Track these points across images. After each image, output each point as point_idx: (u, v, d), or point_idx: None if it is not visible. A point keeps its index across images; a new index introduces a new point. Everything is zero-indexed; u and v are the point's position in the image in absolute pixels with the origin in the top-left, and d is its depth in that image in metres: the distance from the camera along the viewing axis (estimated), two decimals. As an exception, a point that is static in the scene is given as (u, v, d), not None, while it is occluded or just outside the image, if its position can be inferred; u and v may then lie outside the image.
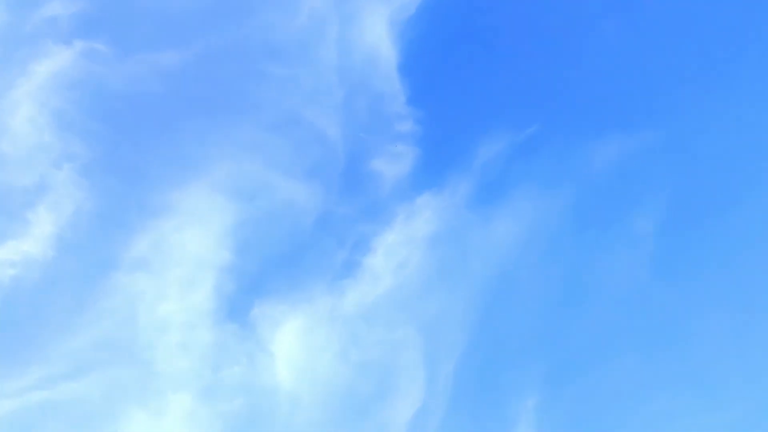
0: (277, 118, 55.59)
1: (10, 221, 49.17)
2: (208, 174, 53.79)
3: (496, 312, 52.26)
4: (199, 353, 49.32)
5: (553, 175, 55.26)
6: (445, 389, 49.27)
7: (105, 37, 52.76)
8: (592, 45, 58.05)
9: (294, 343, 50.89)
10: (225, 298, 51.07)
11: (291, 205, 54.55)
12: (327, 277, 53.13)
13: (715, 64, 55.49)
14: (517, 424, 47.63)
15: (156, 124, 54.32)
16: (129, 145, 53.47)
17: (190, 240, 52.26)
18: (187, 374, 48.60)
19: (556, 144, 56.07)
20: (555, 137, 56.21)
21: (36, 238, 49.13)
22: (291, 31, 56.32)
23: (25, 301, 47.82)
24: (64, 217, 50.14)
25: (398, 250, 54.25)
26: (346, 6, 56.82)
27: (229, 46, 55.54)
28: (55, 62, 51.89)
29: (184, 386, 48.22)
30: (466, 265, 53.89)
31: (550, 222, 54.44)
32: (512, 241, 53.84)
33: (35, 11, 51.02)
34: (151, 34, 53.99)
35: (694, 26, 56.42)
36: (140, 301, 49.77)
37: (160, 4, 54.49)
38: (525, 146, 55.70)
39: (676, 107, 55.67)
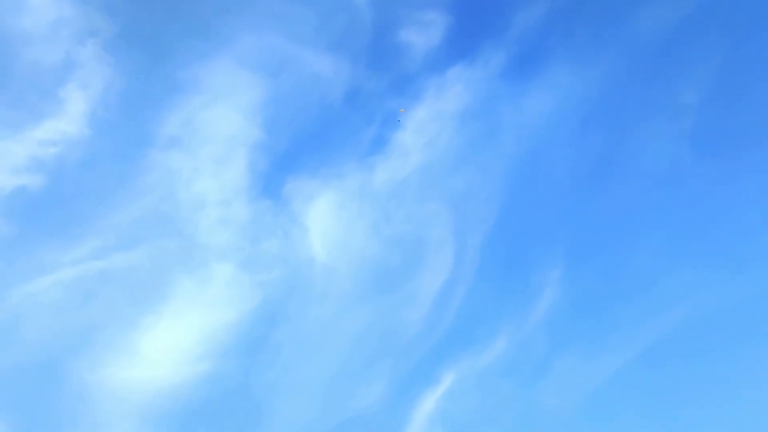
0: (299, -15, 52.57)
1: (43, 99, 49.81)
2: (232, 48, 52.34)
3: (526, 187, 52.47)
4: (238, 227, 51.71)
5: (593, 45, 51.88)
6: (473, 261, 51.20)
7: None
8: None
9: (327, 218, 52.68)
10: (258, 175, 52.39)
11: (318, 80, 53.36)
12: (357, 154, 53.44)
13: None
14: (542, 294, 49.74)
15: (174, -7, 52.10)
16: (149, 18, 51.73)
17: (220, 117, 52.36)
18: (228, 246, 51.36)
19: (598, 10, 51.91)
20: (597, 1, 52.05)
21: (71, 117, 50.02)
22: None
23: (71, 178, 50.03)
24: (95, 95, 50.49)
25: (428, 125, 53.49)
26: None
27: None
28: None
29: (226, 257, 51.19)
30: (497, 140, 53.06)
31: (587, 95, 52.27)
32: (546, 116, 52.32)
33: None
34: None
35: None
36: (177, 178, 51.41)
37: None
38: (564, 12, 51.86)
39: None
